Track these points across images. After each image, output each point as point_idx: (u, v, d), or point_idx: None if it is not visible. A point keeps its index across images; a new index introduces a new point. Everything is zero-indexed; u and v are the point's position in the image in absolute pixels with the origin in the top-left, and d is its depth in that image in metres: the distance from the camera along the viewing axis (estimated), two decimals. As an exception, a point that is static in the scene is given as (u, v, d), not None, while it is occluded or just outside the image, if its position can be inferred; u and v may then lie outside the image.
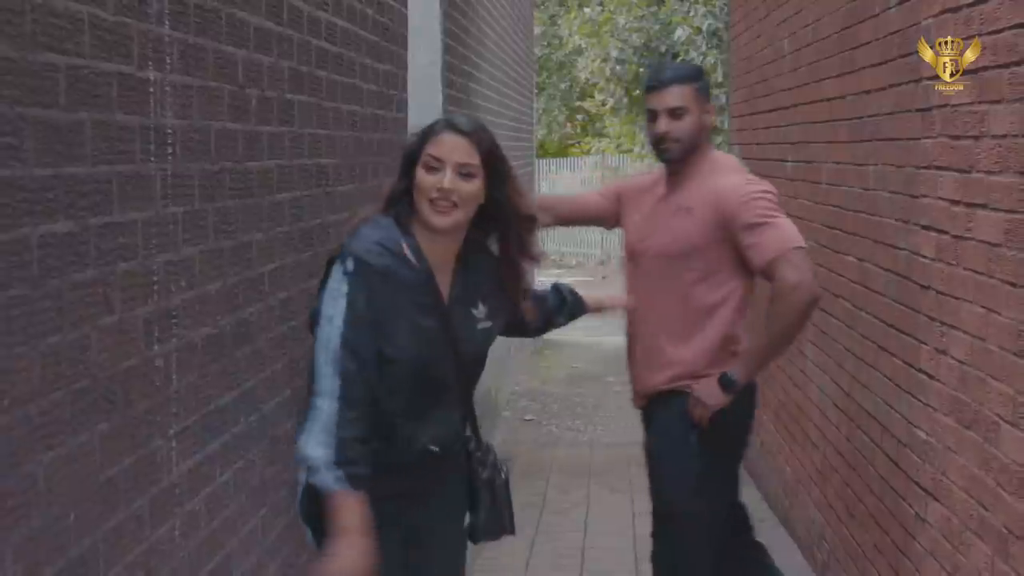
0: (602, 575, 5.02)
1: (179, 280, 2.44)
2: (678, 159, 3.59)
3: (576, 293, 3.25)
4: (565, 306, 3.20)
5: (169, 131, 2.36)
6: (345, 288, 2.55)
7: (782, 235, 3.37)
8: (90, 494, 2.05)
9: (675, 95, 3.55)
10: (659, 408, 3.65)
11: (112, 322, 2.12)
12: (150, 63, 2.26)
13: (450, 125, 2.66)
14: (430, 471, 2.72)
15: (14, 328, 1.78)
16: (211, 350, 2.65)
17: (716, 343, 3.55)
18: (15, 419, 1.79)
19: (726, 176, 3.56)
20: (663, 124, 3.56)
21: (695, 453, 3.53)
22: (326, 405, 2.52)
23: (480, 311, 2.75)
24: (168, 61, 2.34)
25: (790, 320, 3.39)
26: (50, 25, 1.86)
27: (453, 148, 2.61)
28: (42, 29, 1.84)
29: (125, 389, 2.19)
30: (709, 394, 3.47)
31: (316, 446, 2.51)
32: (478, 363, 2.82)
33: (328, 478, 2.51)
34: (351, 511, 2.53)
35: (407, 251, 2.62)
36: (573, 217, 4.08)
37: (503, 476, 2.87)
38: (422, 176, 2.61)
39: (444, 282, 2.69)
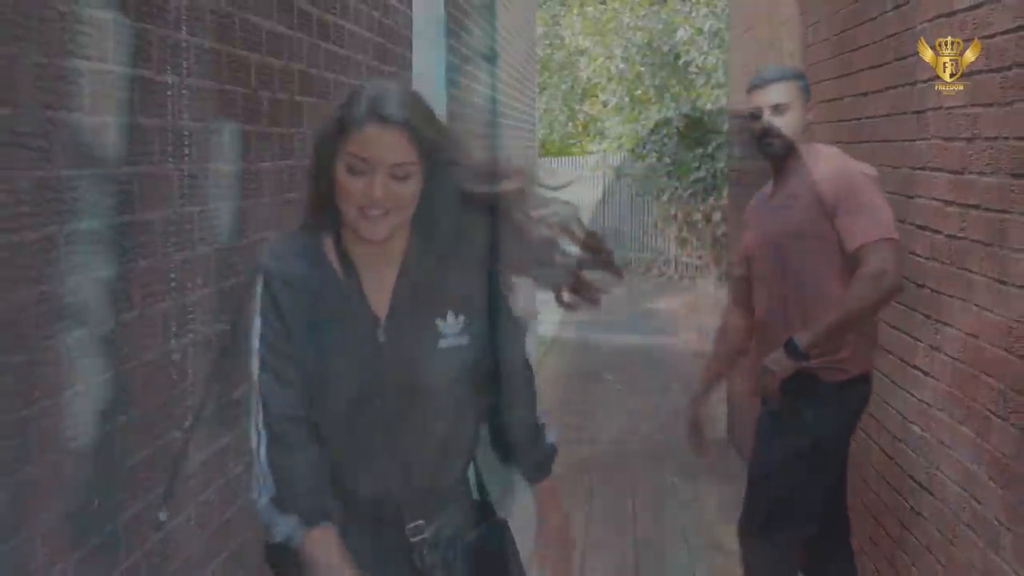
0: (602, 572, 5.08)
1: (195, 277, 2.51)
2: (782, 154, 3.67)
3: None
4: (528, 464, 2.44)
5: (186, 133, 2.43)
6: (257, 306, 2.06)
7: (877, 223, 3.40)
8: (112, 483, 2.12)
9: (779, 91, 3.64)
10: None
11: (133, 317, 2.19)
12: (168, 67, 2.33)
13: (375, 114, 1.96)
14: (368, 536, 2.13)
15: (42, 322, 1.86)
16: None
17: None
18: (42, 410, 1.87)
19: (829, 160, 3.63)
20: (768, 120, 3.65)
21: (794, 432, 3.57)
22: (256, 442, 2.08)
23: (451, 323, 2.10)
24: (185, 65, 2.42)
25: (867, 303, 3.39)
26: (76, 31, 1.94)
27: (383, 146, 1.96)
28: (70, 36, 1.91)
29: (144, 382, 2.26)
30: (774, 360, 3.51)
31: (262, 494, 2.06)
32: (440, 395, 2.11)
33: (284, 528, 2.02)
34: (321, 550, 2.01)
35: (331, 254, 2.08)
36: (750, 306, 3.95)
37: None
38: (345, 179, 1.98)
39: (383, 289, 2.09)
